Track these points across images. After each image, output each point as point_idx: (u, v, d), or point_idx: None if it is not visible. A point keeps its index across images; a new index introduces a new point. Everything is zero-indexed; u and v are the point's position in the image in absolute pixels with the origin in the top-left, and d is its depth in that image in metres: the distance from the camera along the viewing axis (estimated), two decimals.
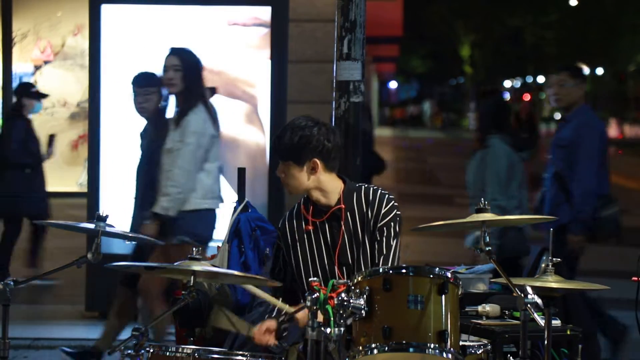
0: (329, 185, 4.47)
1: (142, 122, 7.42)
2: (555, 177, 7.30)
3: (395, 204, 4.49)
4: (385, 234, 4.43)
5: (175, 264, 4.24)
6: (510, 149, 7.37)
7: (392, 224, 4.44)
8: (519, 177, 7.39)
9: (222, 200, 6.94)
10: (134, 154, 8.30)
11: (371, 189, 4.50)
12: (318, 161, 4.43)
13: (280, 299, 4.54)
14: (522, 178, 7.44)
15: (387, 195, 4.48)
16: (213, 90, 7.39)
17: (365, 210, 4.45)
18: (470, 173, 7.55)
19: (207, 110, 6.77)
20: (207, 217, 6.80)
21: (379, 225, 4.43)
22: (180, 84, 6.76)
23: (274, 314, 4.50)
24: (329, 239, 4.48)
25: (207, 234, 6.79)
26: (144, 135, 7.25)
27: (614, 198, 7.36)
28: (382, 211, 4.44)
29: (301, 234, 4.53)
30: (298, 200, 4.66)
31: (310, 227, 4.49)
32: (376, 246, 4.43)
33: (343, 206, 4.47)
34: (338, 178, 4.52)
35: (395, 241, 4.44)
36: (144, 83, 7.21)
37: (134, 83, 7.26)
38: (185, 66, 6.78)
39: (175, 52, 6.92)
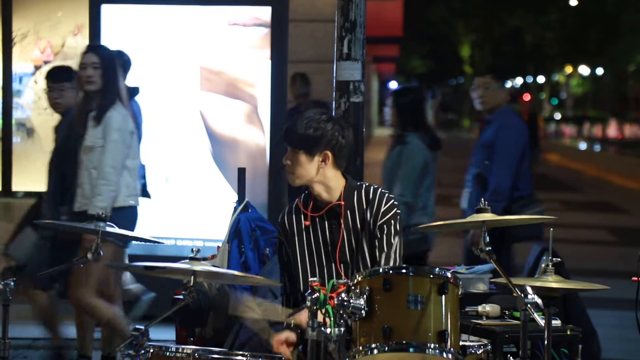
0: (332, 181, 4.48)
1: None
2: (477, 177, 7.39)
3: (395, 202, 4.49)
4: (385, 232, 4.44)
5: (176, 264, 4.23)
6: (426, 147, 7.36)
7: (392, 221, 4.45)
8: (431, 177, 7.39)
9: (146, 196, 6.94)
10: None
11: (371, 187, 4.51)
12: (330, 154, 4.43)
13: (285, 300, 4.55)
14: (433, 178, 7.46)
15: (386, 194, 4.49)
16: (135, 90, 7.37)
17: (364, 208, 4.46)
18: (385, 168, 7.54)
19: (124, 107, 6.76)
20: (132, 215, 6.80)
21: (378, 223, 4.44)
22: (100, 82, 6.72)
23: (292, 327, 4.46)
24: (327, 236, 4.48)
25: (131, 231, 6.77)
26: (58, 130, 7.21)
27: (537, 199, 7.47)
28: (382, 209, 4.44)
29: (299, 229, 4.53)
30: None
31: (308, 223, 4.49)
32: (377, 244, 4.43)
33: (343, 203, 4.47)
34: (342, 176, 4.53)
35: (396, 239, 4.45)
36: (58, 78, 7.18)
37: (48, 78, 7.24)
38: (104, 64, 6.75)
39: (94, 49, 6.89)
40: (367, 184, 4.53)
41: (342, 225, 4.46)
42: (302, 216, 4.53)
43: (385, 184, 7.40)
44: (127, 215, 6.71)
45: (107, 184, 6.59)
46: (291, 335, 4.26)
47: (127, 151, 6.69)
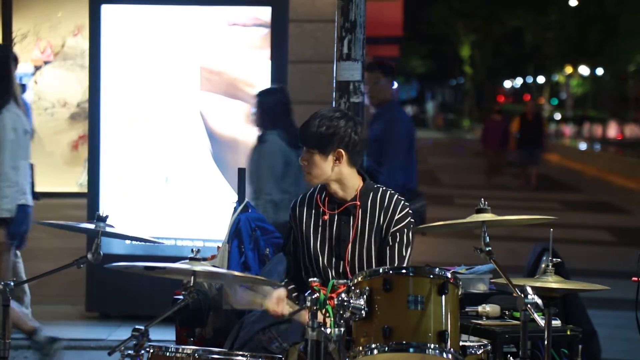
0: (349, 180, 4.48)
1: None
2: (366, 172, 7.40)
3: (410, 211, 4.49)
4: (397, 240, 4.43)
5: (176, 264, 4.22)
6: (287, 145, 7.31)
7: (405, 230, 4.44)
8: (293, 174, 7.35)
9: (33, 197, 6.95)
10: (135, 154, 8.32)
11: (388, 192, 4.51)
12: (343, 152, 4.43)
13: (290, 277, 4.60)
14: (297, 174, 7.42)
15: (402, 202, 4.49)
16: (24, 87, 7.35)
17: (378, 212, 4.45)
18: (248, 169, 7.51)
19: (18, 106, 6.72)
20: (25, 212, 6.72)
21: (391, 230, 4.43)
22: None
23: (283, 283, 4.51)
24: (334, 233, 4.49)
25: (24, 229, 6.72)
26: None
27: (420, 193, 7.53)
28: (396, 217, 4.44)
29: (309, 222, 4.53)
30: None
31: (327, 217, 4.50)
32: (388, 252, 4.43)
33: (358, 203, 4.47)
34: (358, 175, 4.53)
35: (407, 250, 4.44)
36: None
37: None
38: None
39: None
40: (384, 188, 4.53)
41: (354, 226, 4.46)
42: (317, 210, 4.53)
43: (254, 184, 7.34)
44: (20, 213, 6.65)
45: (10, 185, 6.59)
46: (281, 292, 4.37)
47: (20, 151, 6.68)
